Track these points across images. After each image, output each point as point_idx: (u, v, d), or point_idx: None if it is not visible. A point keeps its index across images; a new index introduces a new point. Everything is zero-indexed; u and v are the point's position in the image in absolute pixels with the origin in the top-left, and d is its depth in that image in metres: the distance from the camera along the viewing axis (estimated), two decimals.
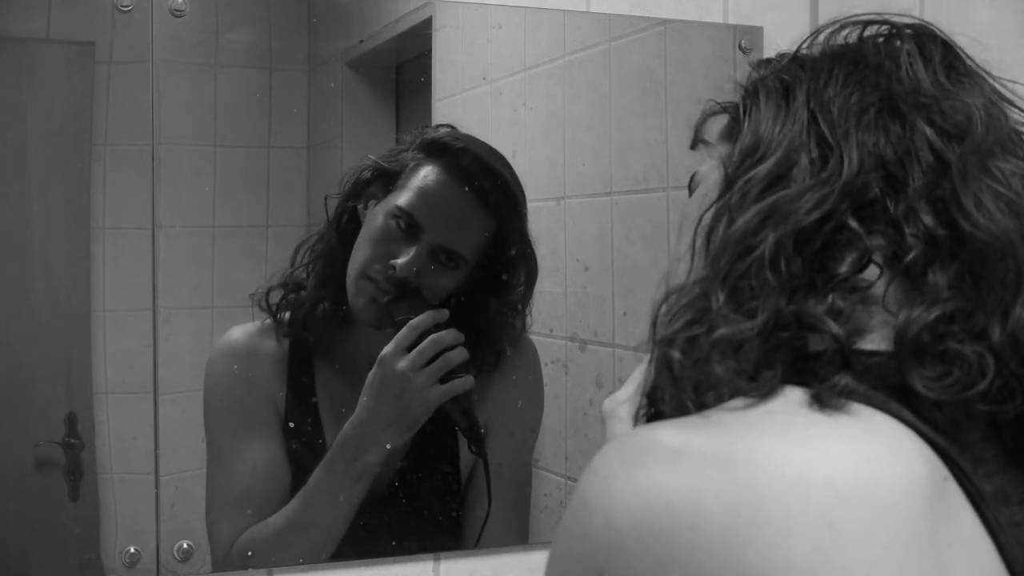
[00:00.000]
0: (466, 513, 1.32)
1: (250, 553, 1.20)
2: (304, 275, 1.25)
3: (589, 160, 1.37)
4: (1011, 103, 0.63)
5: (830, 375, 0.52)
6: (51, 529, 1.19)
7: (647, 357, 0.75)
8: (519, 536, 1.34)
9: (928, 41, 0.63)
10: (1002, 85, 0.64)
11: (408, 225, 1.23)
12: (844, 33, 0.66)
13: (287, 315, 1.25)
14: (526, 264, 1.31)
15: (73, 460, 1.17)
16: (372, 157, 1.26)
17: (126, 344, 1.18)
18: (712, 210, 0.61)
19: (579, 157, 1.37)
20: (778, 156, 0.59)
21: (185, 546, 1.19)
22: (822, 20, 0.68)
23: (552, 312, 1.35)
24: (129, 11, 1.16)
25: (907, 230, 0.56)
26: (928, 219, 0.56)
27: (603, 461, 0.51)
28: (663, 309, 0.58)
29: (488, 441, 1.30)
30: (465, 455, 1.31)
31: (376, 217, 1.24)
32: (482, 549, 1.30)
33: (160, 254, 1.18)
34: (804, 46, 0.67)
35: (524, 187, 1.30)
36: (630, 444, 0.51)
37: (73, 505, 1.18)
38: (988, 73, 0.64)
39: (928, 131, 0.58)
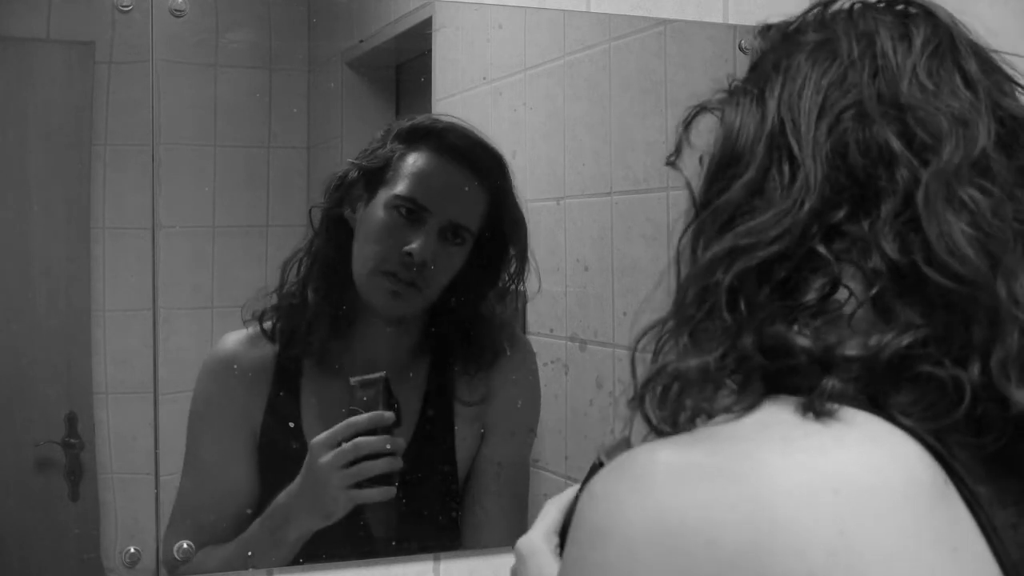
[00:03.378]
0: (465, 513, 1.32)
1: (250, 553, 1.20)
2: (295, 291, 1.24)
3: (589, 160, 1.37)
4: (1013, 81, 0.61)
5: (816, 381, 0.51)
6: (51, 529, 1.19)
7: (557, 495, 0.75)
8: (519, 536, 1.34)
9: (913, 24, 0.60)
10: (1001, 59, 0.61)
11: (411, 211, 1.23)
12: (836, 5, 0.64)
13: (278, 326, 1.23)
14: (517, 229, 1.30)
15: (73, 460, 1.17)
16: (350, 160, 1.26)
17: (126, 344, 1.18)
18: (688, 233, 0.60)
19: (579, 157, 1.37)
20: (746, 179, 0.58)
21: (185, 546, 1.19)
22: None
23: (552, 312, 1.35)
24: (129, 11, 1.16)
25: (871, 261, 0.54)
26: (893, 252, 0.54)
27: (606, 488, 0.51)
28: (638, 349, 0.59)
29: (488, 440, 1.31)
30: (464, 455, 1.31)
31: (374, 213, 1.24)
32: (482, 549, 1.30)
33: (160, 254, 1.18)
34: (793, 27, 0.64)
35: (524, 187, 1.31)
36: (631, 467, 0.51)
37: (73, 505, 1.18)
38: (985, 48, 0.61)
39: (896, 145, 0.56)
